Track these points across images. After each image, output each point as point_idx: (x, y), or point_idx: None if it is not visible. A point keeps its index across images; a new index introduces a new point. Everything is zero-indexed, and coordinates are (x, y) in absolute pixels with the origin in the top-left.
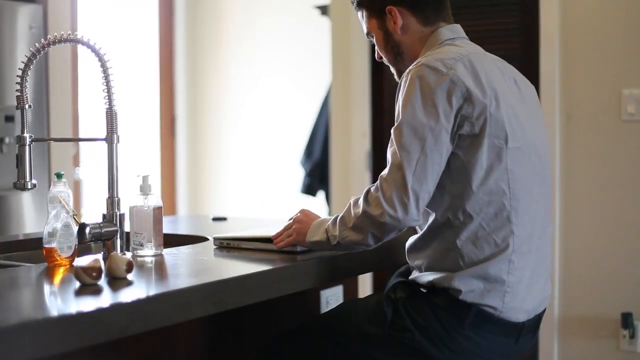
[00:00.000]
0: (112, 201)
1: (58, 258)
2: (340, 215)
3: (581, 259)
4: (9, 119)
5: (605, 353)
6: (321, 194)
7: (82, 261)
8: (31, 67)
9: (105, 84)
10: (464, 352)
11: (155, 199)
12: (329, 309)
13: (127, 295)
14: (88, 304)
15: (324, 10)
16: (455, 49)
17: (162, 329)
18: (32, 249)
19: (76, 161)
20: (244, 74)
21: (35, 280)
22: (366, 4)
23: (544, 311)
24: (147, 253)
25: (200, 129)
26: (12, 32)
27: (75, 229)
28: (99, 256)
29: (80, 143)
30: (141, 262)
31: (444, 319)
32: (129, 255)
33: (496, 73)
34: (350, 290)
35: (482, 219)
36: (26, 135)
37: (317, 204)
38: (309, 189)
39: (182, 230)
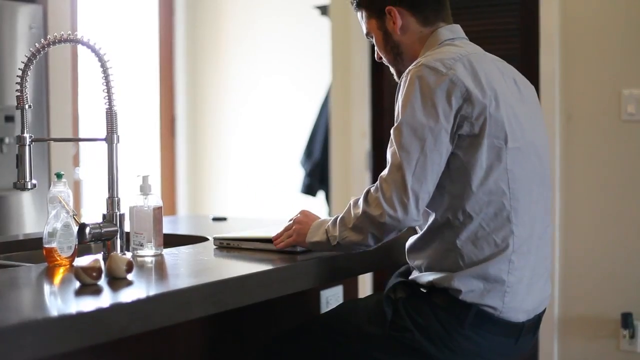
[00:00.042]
0: (112, 201)
1: (58, 258)
2: (340, 216)
3: (581, 259)
4: (9, 119)
5: (605, 353)
6: (321, 194)
7: (82, 261)
8: (31, 67)
9: (105, 84)
10: (464, 352)
11: (155, 199)
12: (329, 309)
13: (127, 295)
14: (88, 304)
15: (324, 10)
16: (454, 49)
17: (162, 329)
18: (32, 249)
19: (76, 161)
20: (244, 74)
21: (35, 280)
22: (365, 5)
23: (544, 311)
24: (147, 253)
25: (200, 129)
26: (12, 32)
27: (75, 229)
28: (99, 256)
29: (80, 143)
30: (141, 262)
31: (444, 319)
32: (129, 255)
33: (496, 73)
34: (350, 290)
35: (482, 219)
36: (26, 135)
37: (317, 204)
38: (309, 189)
39: (182, 230)
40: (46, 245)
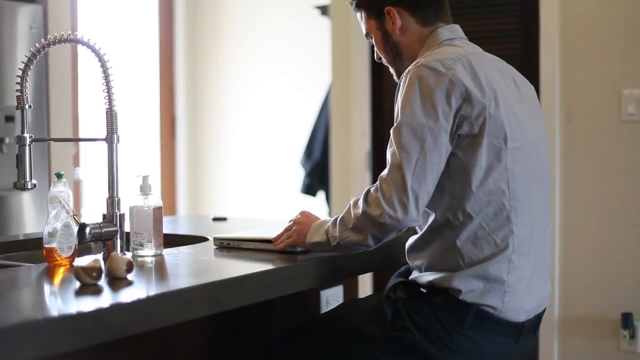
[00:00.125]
0: (112, 201)
1: (58, 258)
2: (340, 216)
3: (581, 259)
4: (9, 119)
5: (605, 353)
6: (321, 194)
7: (82, 261)
8: (31, 67)
9: (105, 84)
10: (464, 352)
11: (155, 199)
12: (329, 309)
13: (127, 295)
14: (88, 304)
15: (324, 10)
16: (454, 49)
17: (162, 329)
18: (32, 249)
19: (76, 161)
20: (244, 74)
21: (35, 280)
22: (365, 5)
23: (544, 311)
24: (147, 253)
25: (200, 129)
26: (12, 32)
27: (75, 229)
28: (99, 256)
29: (80, 143)
30: (141, 262)
31: (444, 319)
32: (129, 255)
33: (495, 73)
34: (350, 290)
35: (481, 219)
36: (26, 135)
37: (317, 204)
38: (309, 189)
39: (182, 230)
40: (46, 245)
